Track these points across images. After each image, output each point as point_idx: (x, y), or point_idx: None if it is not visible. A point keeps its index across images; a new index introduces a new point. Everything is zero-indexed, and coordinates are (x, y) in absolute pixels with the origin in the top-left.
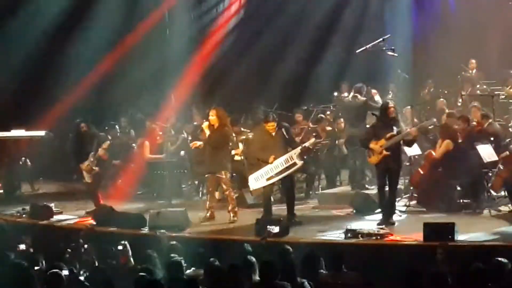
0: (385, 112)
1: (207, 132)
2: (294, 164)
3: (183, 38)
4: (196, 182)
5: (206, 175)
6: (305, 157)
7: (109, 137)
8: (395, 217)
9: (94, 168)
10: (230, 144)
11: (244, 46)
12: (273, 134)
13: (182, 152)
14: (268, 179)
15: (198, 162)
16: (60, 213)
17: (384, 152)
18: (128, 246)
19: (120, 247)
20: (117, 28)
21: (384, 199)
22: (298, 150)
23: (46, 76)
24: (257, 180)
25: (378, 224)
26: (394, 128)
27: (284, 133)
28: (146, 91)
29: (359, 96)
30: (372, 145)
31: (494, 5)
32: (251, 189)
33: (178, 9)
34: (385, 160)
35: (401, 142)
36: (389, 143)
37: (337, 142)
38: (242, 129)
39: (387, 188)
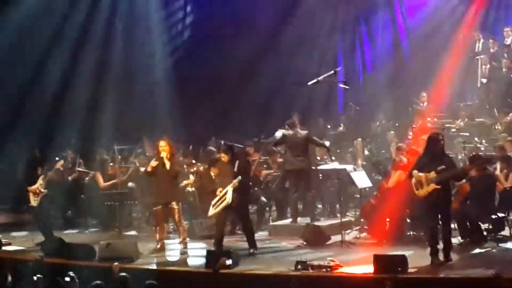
0: (435, 145)
1: (168, 163)
2: (225, 199)
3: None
4: (147, 214)
5: (155, 207)
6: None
7: (62, 161)
8: (346, 250)
9: (42, 190)
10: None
11: (198, 76)
12: (228, 165)
13: (130, 183)
14: (214, 209)
15: (148, 193)
16: (9, 244)
17: (434, 186)
18: (76, 277)
19: (67, 279)
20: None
21: (435, 239)
22: (229, 187)
23: None
24: (212, 206)
25: (432, 263)
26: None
27: (235, 166)
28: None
29: (299, 131)
30: (419, 177)
31: (446, 39)
32: (209, 214)
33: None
34: (434, 195)
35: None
36: (439, 177)
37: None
38: (193, 161)
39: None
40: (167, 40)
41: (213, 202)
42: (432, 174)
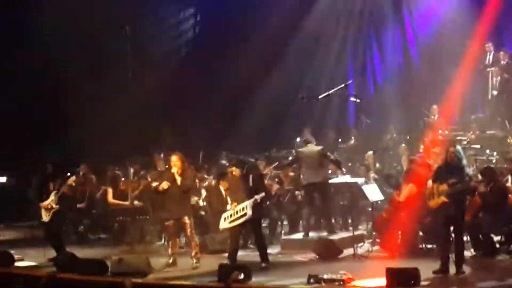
0: (446, 156)
1: (179, 178)
2: (245, 214)
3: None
4: (159, 228)
5: (167, 222)
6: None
7: (74, 177)
8: (358, 263)
9: (54, 206)
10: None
11: (207, 90)
12: (240, 179)
13: (136, 202)
14: (228, 223)
15: (159, 207)
16: (21, 260)
17: (443, 198)
18: None
19: None
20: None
21: (447, 251)
22: (251, 201)
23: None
24: (225, 220)
25: (434, 272)
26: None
27: (250, 180)
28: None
29: (314, 145)
30: (431, 187)
31: (456, 51)
32: (220, 227)
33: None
34: (444, 207)
35: None
36: (450, 190)
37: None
38: (205, 175)
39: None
40: (174, 50)
41: (225, 215)
42: (444, 187)
